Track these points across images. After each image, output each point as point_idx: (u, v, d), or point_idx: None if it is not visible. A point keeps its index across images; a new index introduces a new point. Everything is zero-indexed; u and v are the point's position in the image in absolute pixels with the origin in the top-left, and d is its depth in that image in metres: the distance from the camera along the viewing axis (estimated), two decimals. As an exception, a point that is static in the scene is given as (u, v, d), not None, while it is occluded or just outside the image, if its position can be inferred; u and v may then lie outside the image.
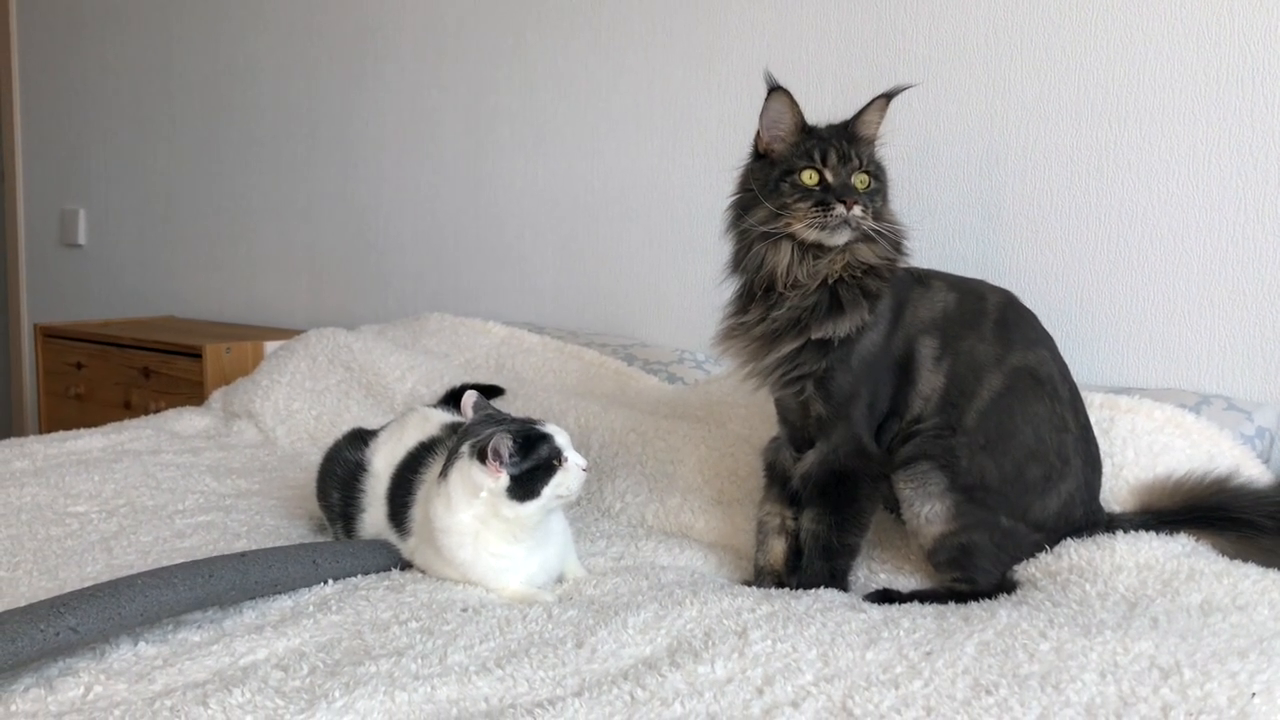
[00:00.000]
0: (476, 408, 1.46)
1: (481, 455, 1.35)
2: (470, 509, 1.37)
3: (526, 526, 1.38)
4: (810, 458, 1.49)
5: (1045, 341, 1.52)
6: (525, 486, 1.36)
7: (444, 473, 1.40)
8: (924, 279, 1.53)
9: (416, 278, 2.89)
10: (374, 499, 1.54)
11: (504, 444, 1.34)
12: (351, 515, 1.56)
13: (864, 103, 1.50)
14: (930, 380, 1.47)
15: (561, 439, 1.39)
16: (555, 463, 1.37)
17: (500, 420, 1.44)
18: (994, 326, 1.49)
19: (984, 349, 1.47)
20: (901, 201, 2.05)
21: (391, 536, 1.50)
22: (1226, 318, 1.77)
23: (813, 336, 1.44)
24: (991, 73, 1.96)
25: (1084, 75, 1.87)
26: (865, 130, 1.49)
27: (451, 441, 1.47)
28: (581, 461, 1.39)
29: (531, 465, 1.36)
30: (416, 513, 1.47)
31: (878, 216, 1.45)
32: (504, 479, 1.35)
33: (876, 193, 1.46)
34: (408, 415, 1.63)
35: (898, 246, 1.48)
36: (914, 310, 1.49)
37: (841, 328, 1.43)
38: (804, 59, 2.17)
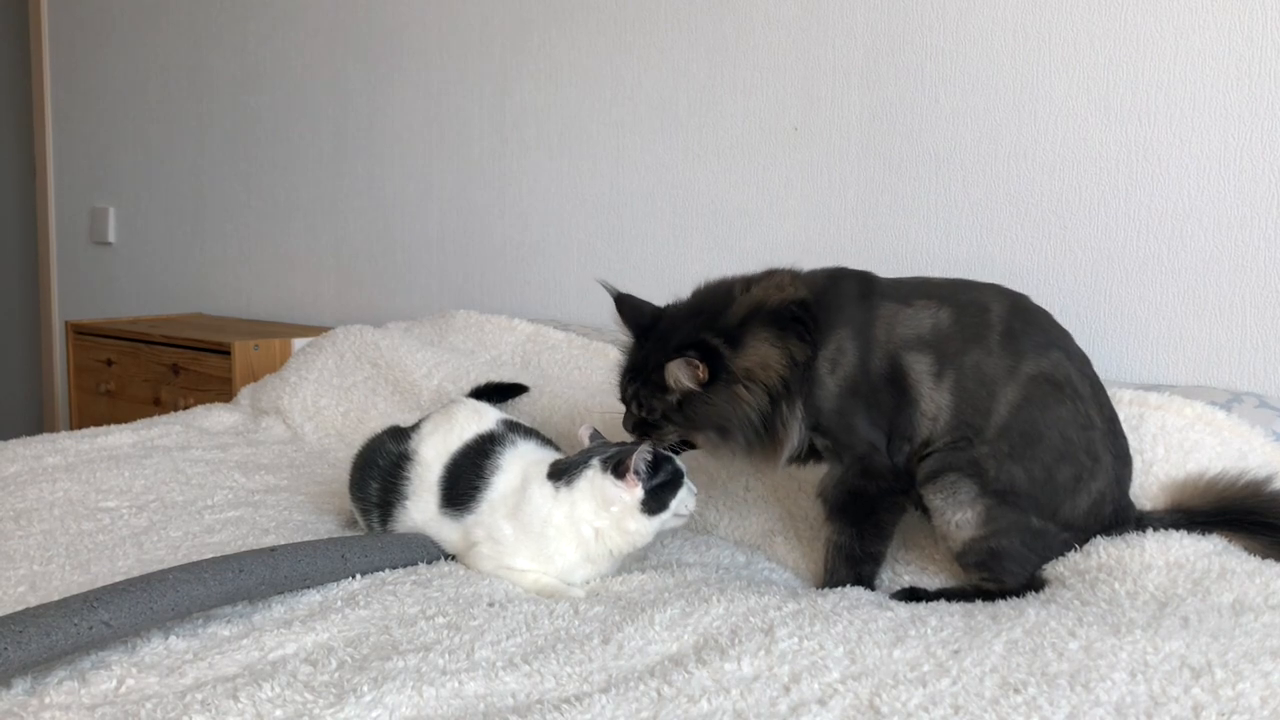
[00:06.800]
0: (593, 438, 1.56)
1: (617, 470, 1.43)
2: (597, 520, 1.44)
3: (638, 543, 1.45)
4: (825, 480, 1.51)
5: (1058, 342, 1.48)
6: (656, 499, 1.44)
7: (567, 482, 1.46)
8: (907, 296, 1.49)
9: (442, 275, 2.90)
10: (420, 486, 1.56)
11: (644, 460, 1.43)
12: (391, 503, 1.58)
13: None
14: (934, 398, 1.44)
15: (679, 462, 1.48)
16: (680, 480, 1.46)
17: (616, 447, 1.52)
18: (1001, 339, 1.44)
19: (992, 362, 1.43)
20: (928, 198, 2.05)
21: (444, 520, 1.53)
22: (1258, 314, 1.76)
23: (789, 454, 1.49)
24: (1020, 69, 1.95)
25: (1113, 71, 1.85)
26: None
27: (512, 436, 1.56)
28: (693, 487, 1.49)
29: (661, 481, 1.45)
30: (492, 495, 1.50)
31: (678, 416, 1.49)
32: (639, 492, 1.43)
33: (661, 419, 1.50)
34: (453, 407, 1.64)
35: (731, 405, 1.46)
36: (887, 328, 1.46)
37: (790, 445, 1.47)
38: (830, 55, 2.16)
